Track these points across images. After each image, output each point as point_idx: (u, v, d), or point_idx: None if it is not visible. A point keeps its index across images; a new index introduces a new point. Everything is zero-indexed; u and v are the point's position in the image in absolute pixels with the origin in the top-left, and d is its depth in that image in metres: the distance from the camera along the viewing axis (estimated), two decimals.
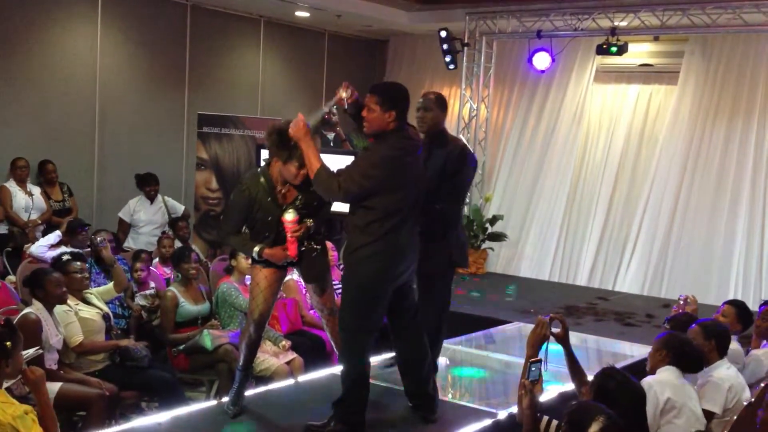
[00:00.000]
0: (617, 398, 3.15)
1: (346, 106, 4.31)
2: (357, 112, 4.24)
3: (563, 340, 3.78)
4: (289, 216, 4.10)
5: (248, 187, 4.19)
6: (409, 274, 4.22)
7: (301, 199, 4.19)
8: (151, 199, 8.11)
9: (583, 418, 2.84)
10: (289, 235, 4.13)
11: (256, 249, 4.17)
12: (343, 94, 4.26)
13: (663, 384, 3.77)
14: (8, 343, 3.17)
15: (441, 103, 4.71)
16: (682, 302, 5.39)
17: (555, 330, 3.72)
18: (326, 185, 3.97)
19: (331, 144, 9.08)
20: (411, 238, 4.13)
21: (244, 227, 4.27)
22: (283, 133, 4.07)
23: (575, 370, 3.83)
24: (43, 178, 7.85)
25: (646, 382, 3.73)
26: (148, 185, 8.09)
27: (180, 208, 8.32)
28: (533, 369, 3.40)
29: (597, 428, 2.80)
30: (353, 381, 4.11)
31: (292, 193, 4.20)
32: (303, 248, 4.23)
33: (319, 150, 4.24)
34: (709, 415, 3.96)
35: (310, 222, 4.18)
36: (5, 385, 3.54)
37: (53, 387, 4.65)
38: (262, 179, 4.19)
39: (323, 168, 3.98)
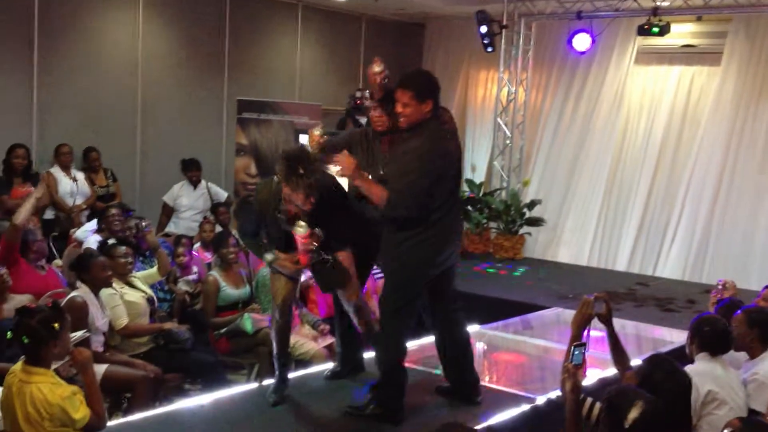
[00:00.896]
0: (664, 387, 3.12)
1: (378, 81, 4.29)
2: (386, 96, 4.25)
3: (607, 320, 3.72)
4: (301, 230, 3.95)
5: (258, 201, 4.19)
6: (453, 259, 4.26)
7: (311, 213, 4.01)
8: (194, 184, 8.23)
9: (623, 403, 2.83)
10: (300, 248, 4.01)
11: (268, 259, 4.15)
12: (376, 68, 4.26)
13: (703, 376, 3.70)
14: (56, 325, 3.24)
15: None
16: (720, 287, 5.29)
17: (598, 310, 3.66)
18: (398, 208, 3.94)
19: None
20: (458, 223, 4.26)
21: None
22: (291, 161, 3.86)
23: (618, 351, 3.77)
24: (87, 165, 8.00)
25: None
26: (189, 170, 8.21)
27: (223, 195, 8.42)
28: (576, 353, 3.39)
29: (636, 413, 2.78)
30: (392, 365, 4.16)
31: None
32: (314, 260, 4.07)
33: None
34: (754, 414, 3.83)
35: (319, 232, 4.00)
36: (53, 366, 3.65)
37: (99, 369, 4.75)
38: (270, 192, 4.05)
39: (391, 194, 3.92)
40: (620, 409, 2.82)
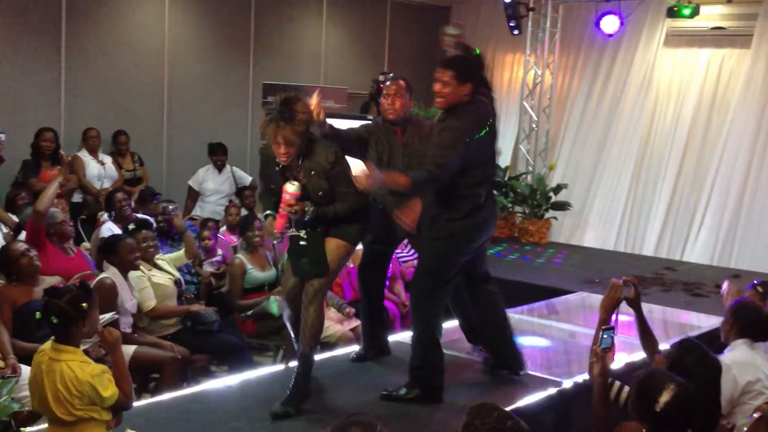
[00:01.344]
0: (694, 372, 3.08)
1: (451, 45, 4.33)
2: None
3: (635, 303, 3.69)
4: (290, 188, 3.80)
5: (263, 151, 4.20)
6: (486, 240, 4.33)
7: (310, 182, 3.90)
8: (219, 168, 8.27)
9: (654, 387, 2.81)
10: (281, 206, 3.84)
11: (261, 216, 4.12)
12: (452, 31, 4.23)
13: (745, 366, 3.66)
14: (84, 305, 3.26)
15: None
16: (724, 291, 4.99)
17: (627, 294, 3.64)
18: (427, 182, 3.95)
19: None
20: (495, 208, 4.35)
21: None
22: (282, 103, 3.80)
23: (646, 335, 3.74)
24: (116, 149, 8.05)
25: (725, 363, 3.62)
26: (216, 154, 8.26)
27: (247, 179, 8.45)
28: (605, 336, 3.37)
29: (668, 397, 2.76)
30: (430, 346, 4.19)
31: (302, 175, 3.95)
32: (289, 232, 3.93)
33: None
34: None
35: (309, 206, 3.86)
36: (82, 347, 3.68)
37: (128, 350, 4.81)
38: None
39: (414, 178, 3.94)
40: (651, 392, 2.80)
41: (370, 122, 4.87)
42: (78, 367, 3.20)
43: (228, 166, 8.36)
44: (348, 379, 4.56)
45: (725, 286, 4.94)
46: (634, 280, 3.70)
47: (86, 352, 4.47)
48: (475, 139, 4.02)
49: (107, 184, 7.56)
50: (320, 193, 3.92)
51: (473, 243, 4.16)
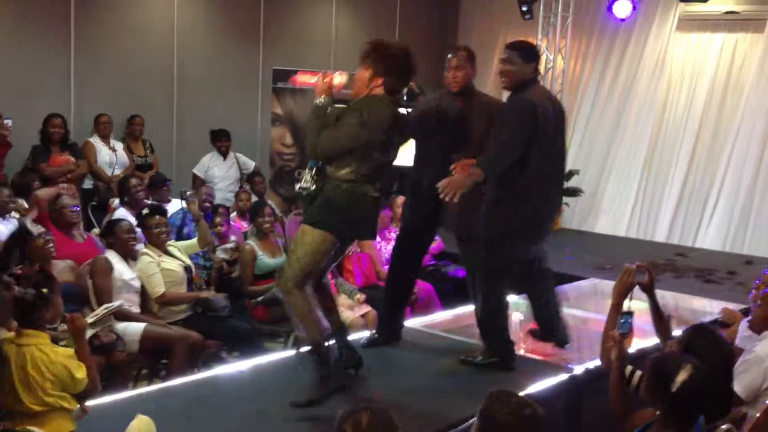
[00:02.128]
0: (706, 357, 3.06)
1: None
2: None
3: (649, 289, 3.67)
4: (339, 76, 3.98)
5: None
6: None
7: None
8: (224, 155, 8.24)
9: (670, 367, 2.78)
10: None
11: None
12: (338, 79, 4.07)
13: None
14: (45, 290, 3.24)
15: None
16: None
17: (640, 280, 3.62)
18: (498, 159, 4.25)
19: (405, 98, 8.87)
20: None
21: None
22: None
23: (660, 321, 3.72)
24: (129, 132, 8.03)
25: (759, 355, 3.58)
26: (219, 140, 8.21)
27: (251, 165, 8.42)
28: (623, 321, 3.35)
29: (684, 376, 2.73)
30: (501, 315, 4.51)
31: None
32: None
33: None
34: None
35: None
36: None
37: (138, 327, 4.83)
38: None
39: (485, 161, 4.19)
40: (667, 373, 2.77)
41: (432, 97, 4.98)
42: (50, 350, 3.18)
43: (231, 153, 8.34)
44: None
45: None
46: (648, 266, 3.68)
47: (96, 336, 4.52)
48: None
49: (118, 171, 7.55)
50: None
51: (537, 226, 4.53)
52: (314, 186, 3.93)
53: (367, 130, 3.84)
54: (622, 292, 3.56)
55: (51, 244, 4.80)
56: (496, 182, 4.35)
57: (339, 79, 3.96)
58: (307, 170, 4.00)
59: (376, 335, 4.85)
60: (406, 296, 5.08)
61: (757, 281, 4.46)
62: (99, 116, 7.69)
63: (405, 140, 4.31)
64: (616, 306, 3.55)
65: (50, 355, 3.16)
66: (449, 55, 4.65)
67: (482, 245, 4.43)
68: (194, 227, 6.20)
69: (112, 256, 5.03)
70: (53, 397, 3.17)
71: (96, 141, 7.58)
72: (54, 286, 3.34)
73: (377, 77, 3.93)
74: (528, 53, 4.42)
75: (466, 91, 4.62)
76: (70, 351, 3.25)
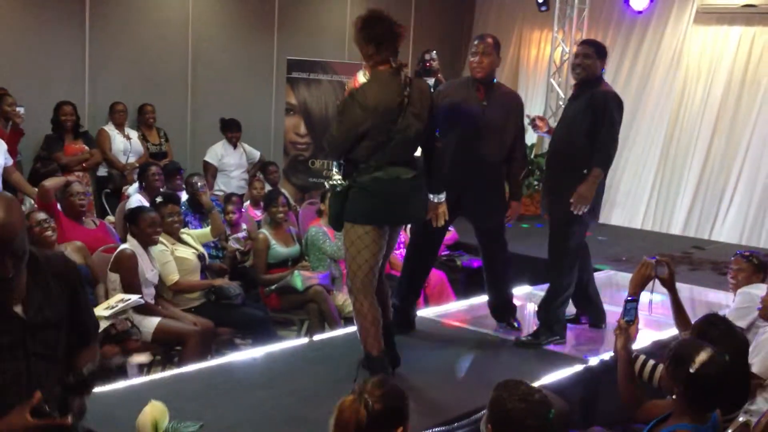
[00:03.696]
0: (719, 345, 3.05)
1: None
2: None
3: (669, 283, 3.65)
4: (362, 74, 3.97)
5: None
6: None
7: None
8: (234, 144, 8.21)
9: (690, 350, 2.77)
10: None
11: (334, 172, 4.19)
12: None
13: None
14: None
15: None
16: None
17: (660, 274, 3.60)
18: (611, 153, 4.66)
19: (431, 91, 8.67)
20: None
21: None
22: None
23: (680, 316, 3.71)
24: (142, 120, 8.03)
25: None
26: (230, 131, 8.17)
27: (256, 154, 8.37)
28: (629, 308, 3.33)
29: (704, 357, 2.72)
30: (568, 297, 4.81)
31: None
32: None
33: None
34: None
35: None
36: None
37: (152, 321, 4.83)
38: None
39: (601, 159, 4.59)
40: (687, 354, 2.76)
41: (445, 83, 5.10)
42: None
43: (240, 142, 8.31)
44: None
45: None
46: (668, 260, 3.66)
47: (113, 326, 4.51)
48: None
49: (132, 159, 7.55)
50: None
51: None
52: (345, 181, 3.89)
53: (367, 111, 3.78)
54: (638, 284, 3.54)
55: (50, 231, 4.75)
56: (568, 170, 4.63)
57: (361, 78, 3.94)
58: (335, 166, 3.99)
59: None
60: (420, 286, 5.11)
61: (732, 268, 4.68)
62: (114, 104, 7.69)
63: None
64: (632, 296, 3.50)
65: None
66: (476, 41, 4.71)
67: (557, 229, 4.72)
68: (200, 221, 6.18)
69: (134, 246, 4.99)
70: None
71: (111, 129, 7.58)
72: None
73: (367, 51, 3.88)
74: (602, 50, 4.77)
75: (488, 79, 4.68)
76: None
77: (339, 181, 3.92)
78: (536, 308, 4.98)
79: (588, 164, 4.60)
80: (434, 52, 8.16)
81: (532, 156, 10.24)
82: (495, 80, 4.78)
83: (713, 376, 2.72)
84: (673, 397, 2.82)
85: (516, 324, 5.00)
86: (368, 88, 3.83)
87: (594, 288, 5.18)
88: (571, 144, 4.72)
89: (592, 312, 5.18)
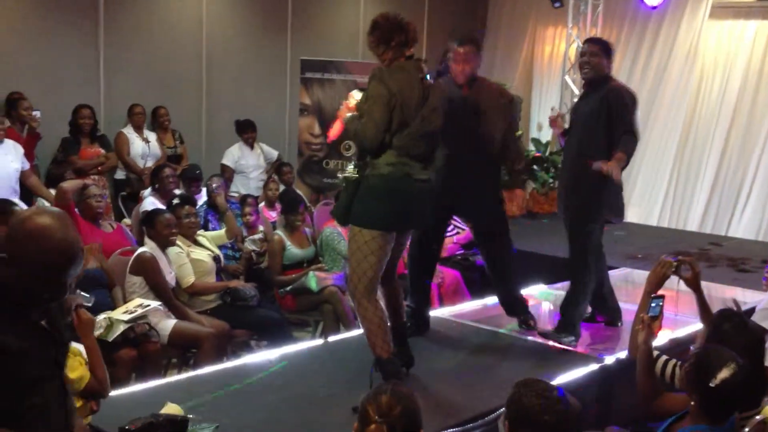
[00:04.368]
0: (733, 341, 3.03)
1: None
2: None
3: (694, 284, 3.62)
4: (356, 93, 3.97)
5: None
6: None
7: None
8: (251, 145, 8.23)
9: (713, 363, 2.74)
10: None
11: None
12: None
13: None
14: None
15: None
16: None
17: (684, 274, 3.59)
18: (635, 145, 4.62)
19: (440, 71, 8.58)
20: None
21: None
22: None
23: (706, 316, 3.65)
24: (156, 123, 8.05)
25: None
26: (245, 132, 8.18)
27: (274, 154, 8.40)
28: (653, 305, 3.32)
29: (727, 374, 2.70)
30: (588, 296, 4.79)
31: None
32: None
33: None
34: None
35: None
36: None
37: (168, 324, 4.86)
38: None
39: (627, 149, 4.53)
40: (709, 367, 2.74)
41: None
42: None
43: (257, 143, 8.32)
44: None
45: None
46: (692, 261, 3.64)
47: (131, 329, 4.53)
48: None
49: (151, 163, 7.50)
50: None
51: None
52: (356, 174, 3.86)
53: (392, 94, 3.74)
54: (655, 282, 3.53)
55: None
56: (586, 169, 4.55)
57: (357, 96, 3.93)
58: (351, 164, 3.97)
59: (408, 325, 4.82)
60: (428, 284, 5.05)
61: None
62: (133, 106, 7.70)
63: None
64: (648, 294, 3.50)
65: None
66: (456, 45, 4.60)
67: (576, 229, 4.73)
68: (219, 221, 6.22)
69: (152, 248, 5.03)
70: None
71: (129, 132, 7.57)
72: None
73: (383, 49, 3.85)
74: (608, 48, 4.72)
75: (470, 79, 4.64)
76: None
77: (352, 173, 3.90)
78: (557, 307, 5.01)
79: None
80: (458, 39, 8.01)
81: (547, 153, 10.22)
82: (477, 77, 4.68)
83: (733, 390, 2.71)
84: (692, 403, 2.81)
85: (532, 323, 4.96)
86: (391, 73, 3.81)
87: (609, 286, 5.17)
88: (587, 143, 4.67)
89: (607, 310, 5.17)
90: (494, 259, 4.91)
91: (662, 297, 3.40)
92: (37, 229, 1.96)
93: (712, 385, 2.70)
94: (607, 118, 4.57)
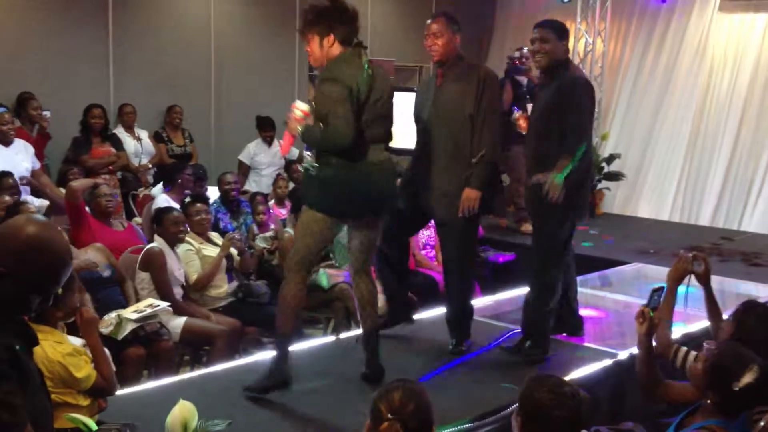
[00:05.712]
0: (756, 330, 3.05)
1: None
2: None
3: (705, 280, 3.67)
4: (300, 104, 3.83)
5: None
6: None
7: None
8: (269, 143, 8.25)
9: (736, 365, 2.73)
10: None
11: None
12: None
13: None
14: (59, 291, 3.17)
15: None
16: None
17: (697, 269, 3.63)
18: (577, 142, 4.15)
19: (524, 89, 8.24)
20: None
21: None
22: None
23: (713, 311, 3.70)
24: (168, 121, 8.06)
25: None
26: (264, 130, 8.21)
27: (295, 152, 8.41)
28: (654, 297, 3.34)
29: (751, 378, 2.68)
30: (551, 309, 4.40)
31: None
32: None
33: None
34: None
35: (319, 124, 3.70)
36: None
37: (179, 321, 4.86)
38: None
39: (569, 151, 4.13)
40: (731, 370, 2.72)
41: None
42: (49, 347, 3.11)
43: (275, 140, 8.35)
44: (404, 349, 4.54)
45: None
46: (704, 257, 3.67)
47: (141, 328, 4.53)
48: None
49: (145, 160, 7.57)
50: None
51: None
52: (317, 165, 3.81)
53: (343, 86, 3.66)
54: (675, 278, 3.58)
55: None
56: (545, 168, 4.21)
57: (301, 107, 3.83)
58: (311, 152, 3.95)
59: (389, 321, 4.72)
60: (405, 275, 4.85)
61: None
62: (122, 106, 7.72)
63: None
64: (671, 291, 3.56)
65: (48, 354, 3.10)
66: (428, 21, 4.42)
67: (540, 230, 4.40)
68: (230, 219, 6.23)
69: (161, 245, 5.05)
70: (54, 394, 3.06)
71: (120, 132, 7.56)
72: (70, 284, 3.28)
73: (327, 35, 3.78)
74: (561, 30, 4.31)
75: (449, 60, 4.37)
76: (70, 348, 3.18)
77: (309, 164, 3.88)
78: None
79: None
80: (525, 48, 7.83)
81: None
82: (458, 61, 4.38)
83: (756, 394, 2.72)
84: (708, 401, 2.80)
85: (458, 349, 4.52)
86: (333, 65, 3.74)
87: (575, 299, 4.81)
88: (544, 139, 4.30)
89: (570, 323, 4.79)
90: (444, 260, 4.62)
91: (662, 288, 3.45)
92: (34, 240, 1.92)
93: (735, 388, 2.69)
94: (561, 111, 4.19)
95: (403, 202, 4.32)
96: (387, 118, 3.89)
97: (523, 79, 8.27)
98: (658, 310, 3.33)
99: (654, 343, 3.35)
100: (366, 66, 3.76)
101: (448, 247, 4.49)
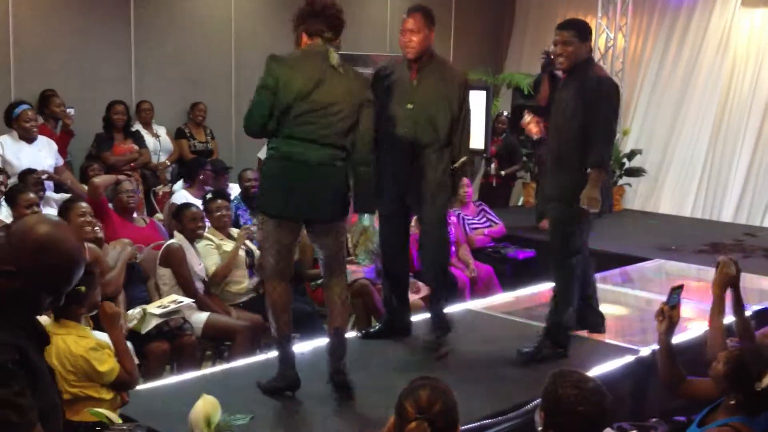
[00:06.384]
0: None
1: None
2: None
3: (735, 283, 3.68)
4: None
5: None
6: None
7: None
8: None
9: (756, 366, 2.76)
10: None
11: None
12: None
13: None
14: (82, 288, 3.16)
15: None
16: None
17: (728, 272, 3.65)
18: (609, 148, 4.25)
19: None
20: None
21: None
22: None
23: (740, 314, 3.70)
24: (191, 118, 8.10)
25: None
26: None
27: None
28: (674, 295, 3.35)
29: None
30: (574, 303, 4.36)
31: None
32: None
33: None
34: None
35: None
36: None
37: (201, 316, 4.90)
38: None
39: (598, 157, 4.11)
40: (755, 372, 2.73)
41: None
42: (73, 341, 3.16)
43: None
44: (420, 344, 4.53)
45: None
46: (735, 260, 3.70)
47: (166, 323, 4.57)
48: None
49: (163, 157, 7.61)
50: None
51: None
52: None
53: (266, 90, 3.65)
54: (721, 285, 3.60)
55: (99, 232, 4.80)
56: (564, 169, 4.22)
57: None
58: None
59: (382, 328, 4.71)
60: (405, 284, 4.79)
61: None
62: (140, 103, 7.76)
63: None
64: (719, 298, 3.58)
65: (72, 348, 3.14)
66: (404, 16, 4.36)
67: (557, 231, 4.33)
68: (251, 215, 6.25)
69: (181, 240, 5.10)
70: (77, 388, 3.16)
71: (138, 128, 7.57)
72: (92, 282, 3.32)
73: (299, 32, 3.87)
74: (584, 31, 4.24)
75: (422, 56, 4.32)
76: (93, 343, 3.22)
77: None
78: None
79: (584, 162, 4.14)
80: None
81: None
82: (433, 59, 4.37)
83: None
84: (732, 402, 2.80)
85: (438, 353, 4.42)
86: (270, 64, 3.82)
87: (593, 291, 4.75)
88: (564, 140, 4.23)
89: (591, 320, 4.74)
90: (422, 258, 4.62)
91: (682, 286, 3.46)
92: (45, 240, 1.90)
93: (758, 389, 2.72)
94: (584, 112, 4.13)
95: (390, 206, 4.38)
96: (343, 121, 3.68)
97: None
98: (677, 308, 3.33)
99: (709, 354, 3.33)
100: (331, 62, 3.76)
101: (427, 247, 4.51)
